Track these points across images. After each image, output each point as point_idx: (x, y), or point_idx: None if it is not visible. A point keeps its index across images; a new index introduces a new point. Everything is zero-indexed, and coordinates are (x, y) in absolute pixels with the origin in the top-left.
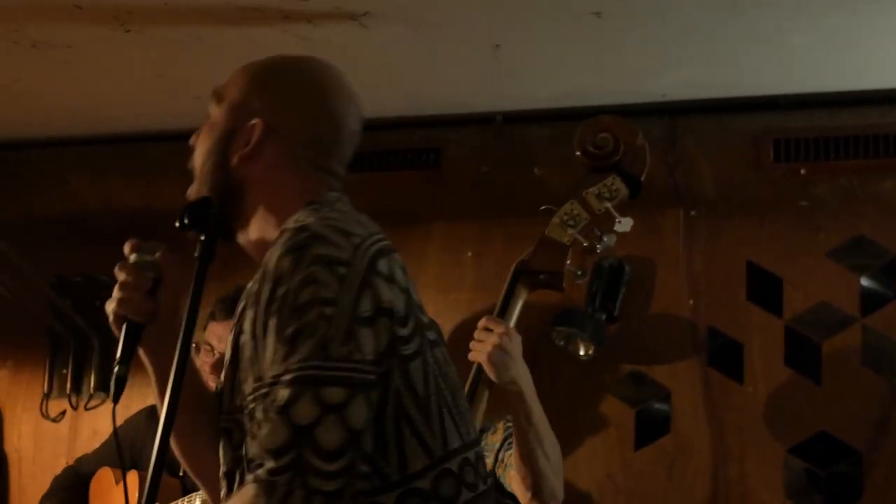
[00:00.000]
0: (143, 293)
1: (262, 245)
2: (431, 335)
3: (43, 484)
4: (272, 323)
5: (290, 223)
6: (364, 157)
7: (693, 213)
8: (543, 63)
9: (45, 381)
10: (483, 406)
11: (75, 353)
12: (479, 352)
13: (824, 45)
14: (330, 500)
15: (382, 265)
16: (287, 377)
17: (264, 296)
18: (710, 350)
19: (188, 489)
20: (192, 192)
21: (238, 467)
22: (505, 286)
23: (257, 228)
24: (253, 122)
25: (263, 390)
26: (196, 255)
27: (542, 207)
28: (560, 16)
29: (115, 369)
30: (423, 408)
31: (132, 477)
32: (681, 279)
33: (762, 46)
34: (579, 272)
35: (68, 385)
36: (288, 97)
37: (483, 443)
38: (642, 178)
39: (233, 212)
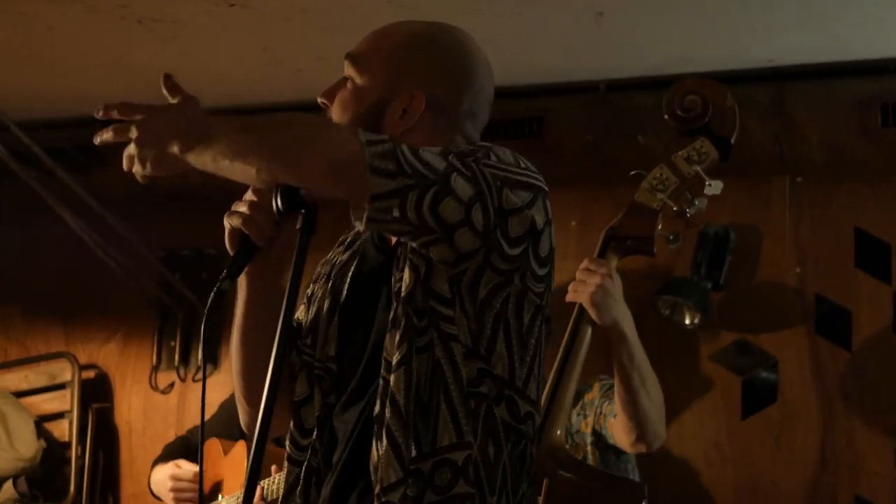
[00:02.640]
0: (271, 220)
1: None
2: (547, 313)
3: (153, 454)
4: None
5: None
6: None
7: (799, 179)
8: (647, 30)
9: (154, 353)
10: (585, 347)
11: (183, 326)
12: (580, 293)
13: None
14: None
15: (549, 206)
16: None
17: None
18: (817, 318)
19: None
20: None
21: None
22: (595, 252)
23: None
24: (413, 92)
25: None
26: (297, 227)
27: (633, 172)
28: None
29: (219, 282)
30: (522, 337)
31: (240, 447)
32: (787, 246)
33: (869, 10)
34: (671, 237)
35: (176, 357)
36: (444, 69)
37: (580, 404)
38: (732, 140)
39: None
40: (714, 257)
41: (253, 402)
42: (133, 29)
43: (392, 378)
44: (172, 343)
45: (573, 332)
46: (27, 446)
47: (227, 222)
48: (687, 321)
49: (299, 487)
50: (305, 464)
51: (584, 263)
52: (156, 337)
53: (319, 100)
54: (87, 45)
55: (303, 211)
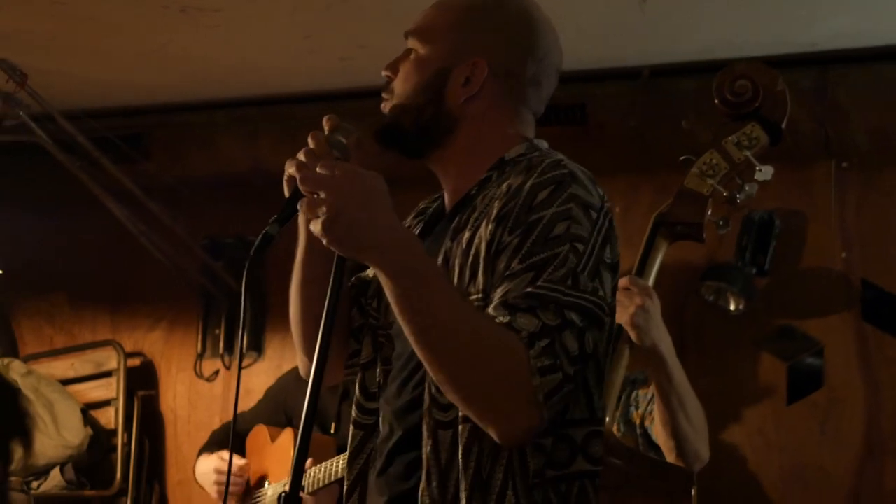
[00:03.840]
0: None
1: (464, 173)
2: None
3: (198, 441)
4: (514, 244)
5: (533, 153)
6: None
7: (845, 164)
8: (690, 15)
9: (199, 341)
10: (625, 363)
11: (228, 314)
12: (621, 313)
13: None
14: (567, 384)
15: (614, 223)
16: (531, 292)
17: (511, 216)
18: (863, 303)
19: (342, 448)
20: (390, 120)
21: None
22: (644, 239)
23: (463, 158)
24: (475, 60)
25: (497, 308)
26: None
27: (682, 158)
28: None
29: (268, 226)
30: (598, 368)
31: (287, 435)
32: (833, 232)
33: None
34: (720, 222)
35: (221, 345)
36: (506, 36)
37: (634, 394)
38: (783, 125)
39: (437, 140)
40: (759, 243)
41: (308, 352)
42: (176, 18)
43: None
44: (217, 331)
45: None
46: (74, 434)
47: (286, 168)
48: (731, 307)
49: (365, 451)
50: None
51: (624, 282)
52: (200, 325)
53: (383, 73)
54: (130, 34)
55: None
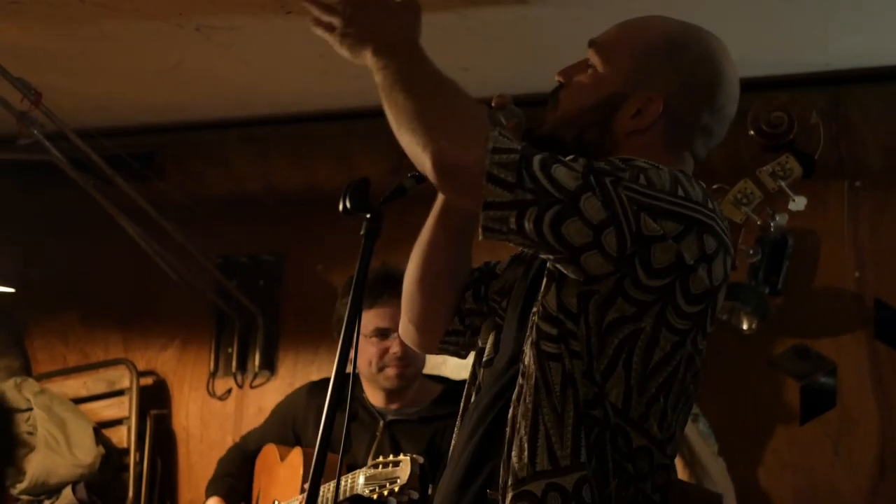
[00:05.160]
0: None
1: None
2: (702, 345)
3: (211, 461)
4: None
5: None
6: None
7: (858, 184)
8: None
9: (212, 359)
10: None
11: (240, 332)
12: None
13: None
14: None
15: (710, 241)
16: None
17: None
18: (876, 323)
19: (352, 467)
20: (552, 129)
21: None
22: None
23: None
24: (651, 96)
25: None
26: (362, 232)
27: (715, 186)
28: None
29: (404, 180)
30: (647, 369)
31: (296, 454)
32: (846, 251)
33: None
34: (751, 251)
35: (234, 364)
36: (688, 80)
37: None
38: (816, 157)
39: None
40: (772, 262)
41: (413, 319)
42: (190, 36)
43: (524, 382)
44: (230, 350)
45: None
46: (86, 453)
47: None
48: (745, 326)
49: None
50: None
51: None
52: (213, 344)
53: (557, 77)
54: (145, 52)
55: (368, 215)
